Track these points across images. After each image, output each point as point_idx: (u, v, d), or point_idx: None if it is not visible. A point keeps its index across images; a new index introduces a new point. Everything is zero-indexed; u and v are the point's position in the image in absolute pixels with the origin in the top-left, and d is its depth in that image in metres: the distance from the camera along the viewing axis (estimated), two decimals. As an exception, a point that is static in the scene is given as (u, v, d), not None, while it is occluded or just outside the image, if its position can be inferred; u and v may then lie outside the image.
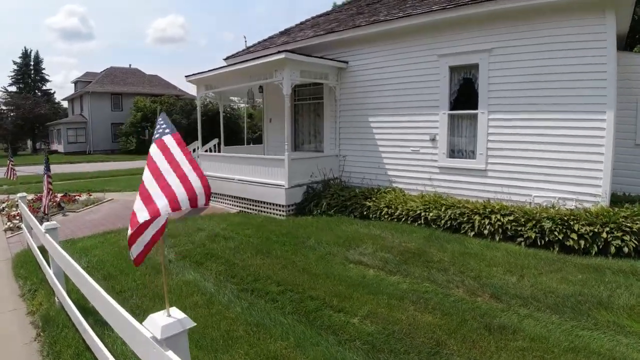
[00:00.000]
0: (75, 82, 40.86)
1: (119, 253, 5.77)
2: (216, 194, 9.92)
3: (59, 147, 37.48)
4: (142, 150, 34.30)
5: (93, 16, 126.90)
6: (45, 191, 6.03)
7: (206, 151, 11.53)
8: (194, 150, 11.37)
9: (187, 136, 37.39)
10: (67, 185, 14.94)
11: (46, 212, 6.22)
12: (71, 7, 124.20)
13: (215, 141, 12.40)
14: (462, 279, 4.62)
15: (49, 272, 4.26)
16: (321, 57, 8.56)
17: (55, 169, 24.38)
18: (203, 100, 43.15)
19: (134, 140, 35.10)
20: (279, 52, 7.56)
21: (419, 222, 6.98)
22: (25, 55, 52.76)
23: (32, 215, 5.67)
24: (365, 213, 7.64)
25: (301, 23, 11.80)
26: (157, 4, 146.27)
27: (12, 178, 9.29)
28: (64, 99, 45.48)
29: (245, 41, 13.12)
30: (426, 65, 8.05)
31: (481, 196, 7.20)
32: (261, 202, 8.54)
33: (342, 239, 6.16)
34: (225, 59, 11.71)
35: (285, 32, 11.43)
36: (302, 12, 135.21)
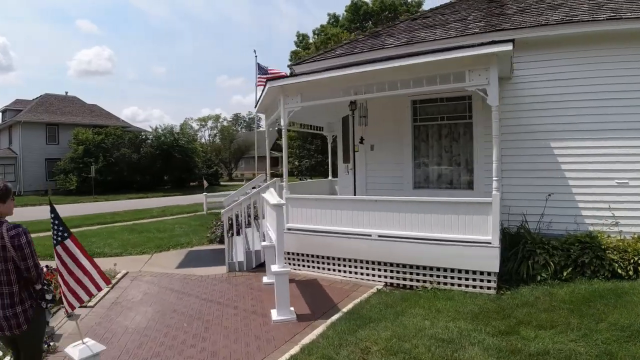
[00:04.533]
0: (4, 111, 33.39)
1: None
2: (319, 256, 6.65)
3: (-22, 188, 29.67)
4: (85, 190, 28.33)
5: (13, 47, 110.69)
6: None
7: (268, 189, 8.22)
8: (265, 180, 8.01)
9: (136, 172, 32.02)
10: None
11: None
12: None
13: (271, 177, 9.24)
14: None
15: None
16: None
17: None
18: (155, 132, 37.79)
19: (75, 179, 29.02)
20: (493, 42, 4.99)
21: None
22: None
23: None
24: (619, 272, 5.24)
25: (391, 27, 9.35)
26: (81, 36, 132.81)
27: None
28: (-15, 131, 37.09)
29: (256, 56, 10.90)
30: (636, 79, 6.24)
31: None
32: (438, 269, 5.55)
33: None
34: (291, 66, 8.91)
35: (375, 35, 8.89)
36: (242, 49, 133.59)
